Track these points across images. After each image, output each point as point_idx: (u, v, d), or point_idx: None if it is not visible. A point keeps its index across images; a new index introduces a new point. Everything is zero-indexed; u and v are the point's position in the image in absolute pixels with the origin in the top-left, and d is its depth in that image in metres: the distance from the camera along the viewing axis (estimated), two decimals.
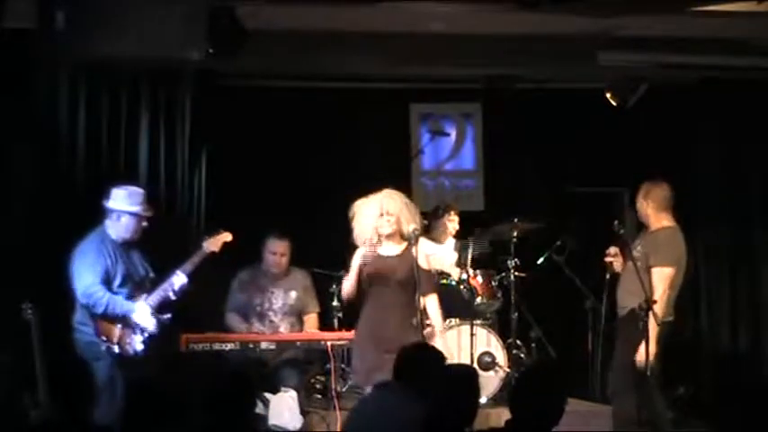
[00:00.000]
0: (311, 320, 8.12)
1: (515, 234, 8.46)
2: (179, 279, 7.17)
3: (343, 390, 7.96)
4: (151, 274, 7.24)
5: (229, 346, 7.56)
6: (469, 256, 8.47)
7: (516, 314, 8.47)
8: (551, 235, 8.70)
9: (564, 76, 9.24)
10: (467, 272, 8.40)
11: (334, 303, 8.35)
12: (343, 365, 8.00)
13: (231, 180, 8.99)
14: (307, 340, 7.84)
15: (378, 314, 6.72)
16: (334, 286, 8.32)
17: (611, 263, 7.29)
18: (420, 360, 5.33)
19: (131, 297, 7.08)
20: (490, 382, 8.05)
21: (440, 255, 8.35)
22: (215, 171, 8.78)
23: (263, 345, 7.62)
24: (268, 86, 9.28)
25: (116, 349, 6.98)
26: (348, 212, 6.80)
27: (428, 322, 6.87)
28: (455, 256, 8.53)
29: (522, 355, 8.45)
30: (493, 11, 7.38)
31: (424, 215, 7.19)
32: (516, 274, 8.46)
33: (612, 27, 7.79)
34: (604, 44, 8.10)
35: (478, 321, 8.25)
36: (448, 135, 9.85)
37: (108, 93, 8.12)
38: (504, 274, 8.50)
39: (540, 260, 8.72)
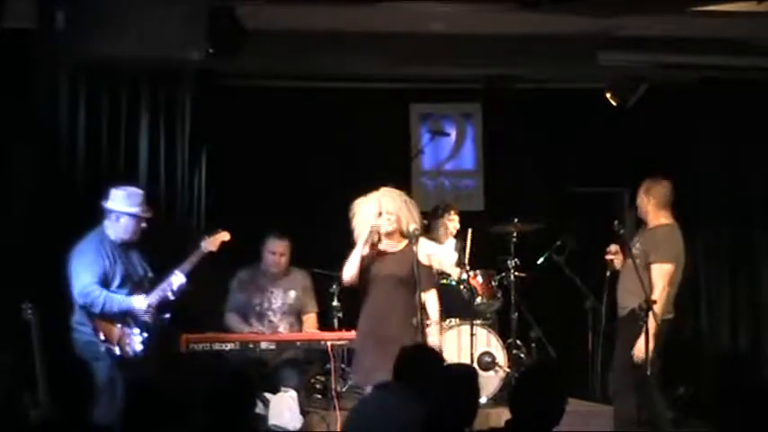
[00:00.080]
0: (310, 320, 8.12)
1: (515, 234, 8.47)
2: (177, 279, 7.16)
3: (343, 390, 7.97)
4: (150, 275, 7.23)
5: (229, 346, 7.56)
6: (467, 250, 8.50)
7: (516, 314, 8.48)
8: (551, 235, 8.70)
9: (564, 76, 9.24)
10: (467, 272, 8.40)
11: (335, 303, 8.36)
12: (343, 365, 8.00)
13: (231, 180, 8.99)
14: (307, 340, 7.84)
15: (378, 313, 6.72)
16: (334, 286, 8.33)
17: (611, 260, 7.30)
18: (420, 360, 5.33)
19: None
20: (490, 382, 8.05)
21: (440, 255, 8.34)
22: (215, 171, 8.78)
23: (263, 345, 7.62)
24: (268, 86, 9.28)
25: (116, 350, 6.99)
26: (348, 212, 6.81)
27: (428, 322, 6.87)
28: (455, 256, 8.53)
29: (522, 355, 8.45)
30: (493, 11, 7.38)
31: (424, 215, 7.19)
32: (516, 274, 8.47)
33: (612, 27, 7.79)
34: (604, 44, 8.10)
35: (478, 321, 8.26)
36: (448, 135, 9.85)
37: (108, 93, 8.12)
38: (504, 274, 8.50)
39: (540, 260, 8.72)
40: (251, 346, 7.60)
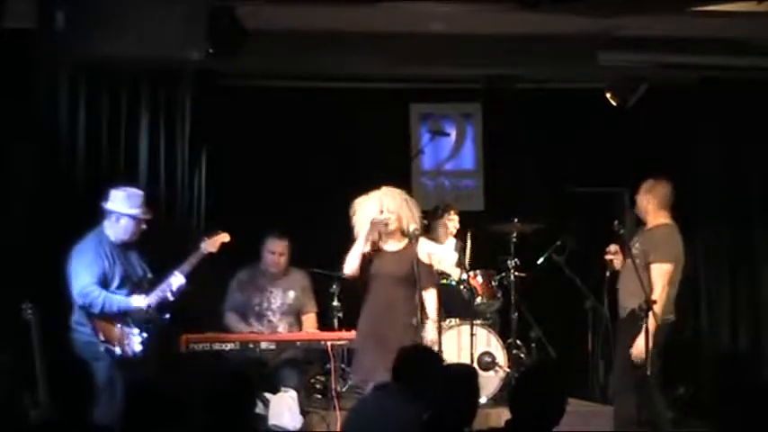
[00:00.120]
0: (309, 320, 8.12)
1: (515, 234, 8.47)
2: (177, 280, 7.16)
3: (343, 390, 7.96)
4: (149, 275, 7.23)
5: (229, 346, 7.56)
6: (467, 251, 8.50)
7: (516, 314, 8.48)
8: (551, 235, 8.70)
9: (564, 76, 9.23)
10: (467, 272, 8.40)
11: (334, 303, 8.35)
12: (343, 365, 7.99)
13: (231, 180, 8.99)
14: (306, 340, 7.84)
15: (378, 312, 6.73)
16: (333, 286, 8.32)
17: (611, 260, 7.30)
18: (419, 360, 5.33)
19: None
20: (490, 382, 8.05)
21: (440, 254, 8.34)
22: (215, 171, 8.78)
23: (263, 345, 7.62)
24: (268, 86, 9.28)
25: (116, 350, 6.98)
26: (348, 212, 6.81)
27: (426, 320, 6.87)
28: (455, 256, 8.53)
29: (522, 355, 8.45)
30: (493, 11, 7.38)
31: (424, 215, 7.19)
32: (516, 274, 8.47)
33: (612, 27, 7.79)
34: (604, 44, 8.10)
35: (478, 321, 8.26)
36: (448, 135, 9.84)
37: (108, 93, 8.12)
38: (504, 274, 8.50)
39: (540, 260, 8.71)
40: (251, 346, 7.60)
